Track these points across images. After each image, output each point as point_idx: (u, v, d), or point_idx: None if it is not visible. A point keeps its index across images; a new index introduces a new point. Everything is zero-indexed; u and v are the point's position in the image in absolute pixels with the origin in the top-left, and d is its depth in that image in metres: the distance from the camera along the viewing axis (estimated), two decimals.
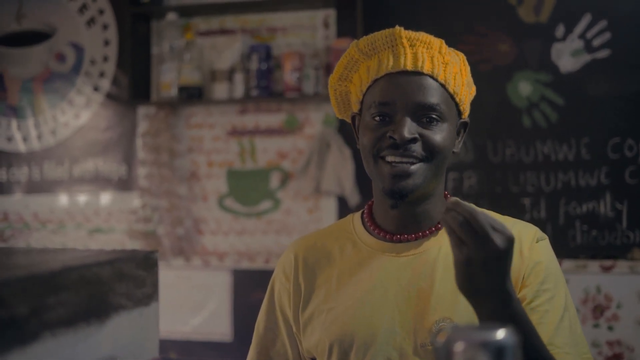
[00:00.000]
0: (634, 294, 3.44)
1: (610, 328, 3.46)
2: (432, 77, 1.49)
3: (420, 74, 1.49)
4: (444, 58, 1.52)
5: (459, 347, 0.89)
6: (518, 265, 1.49)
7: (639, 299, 3.43)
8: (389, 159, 1.48)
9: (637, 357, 3.42)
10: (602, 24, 3.50)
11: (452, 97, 1.52)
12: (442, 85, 1.50)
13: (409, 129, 1.46)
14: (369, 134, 1.51)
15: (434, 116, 1.48)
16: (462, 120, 1.58)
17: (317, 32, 3.92)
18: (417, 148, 1.47)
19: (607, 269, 3.48)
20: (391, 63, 1.50)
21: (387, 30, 1.54)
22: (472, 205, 1.23)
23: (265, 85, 3.88)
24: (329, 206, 3.87)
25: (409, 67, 1.49)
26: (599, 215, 3.50)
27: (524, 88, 3.59)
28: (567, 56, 3.54)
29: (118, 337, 1.04)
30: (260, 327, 1.70)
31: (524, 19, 3.60)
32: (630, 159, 3.46)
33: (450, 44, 1.57)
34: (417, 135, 1.47)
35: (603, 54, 3.51)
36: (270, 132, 4.00)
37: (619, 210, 3.48)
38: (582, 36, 3.53)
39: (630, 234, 3.46)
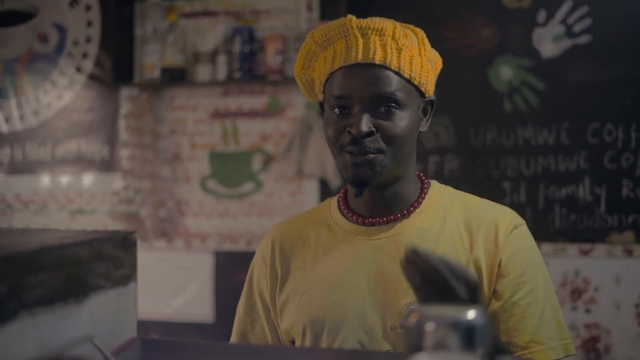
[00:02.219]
0: (611, 278, 3.47)
1: (587, 311, 3.50)
2: (385, 66, 1.50)
3: (373, 65, 1.50)
4: (397, 44, 1.51)
5: (429, 327, 0.92)
6: (493, 253, 1.51)
7: (616, 283, 3.47)
8: (349, 149, 1.50)
9: (614, 339, 3.46)
10: (583, 9, 3.51)
11: (409, 82, 1.52)
12: (397, 73, 1.50)
13: (366, 123, 1.48)
14: (331, 128, 1.53)
15: (391, 105, 1.49)
16: (427, 99, 1.59)
17: (301, 15, 3.92)
18: (376, 139, 1.49)
19: (585, 253, 3.51)
20: (344, 56, 1.51)
21: (339, 20, 1.54)
22: (429, 253, 1.21)
23: (248, 68, 3.89)
24: (311, 189, 3.88)
25: (360, 59, 1.50)
26: (578, 200, 3.53)
27: (505, 73, 3.61)
28: (549, 41, 3.56)
29: (96, 316, 1.06)
30: (240, 311, 1.72)
31: (507, 4, 3.61)
32: (610, 144, 3.49)
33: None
34: (374, 129, 1.49)
35: (584, 39, 3.52)
36: (253, 114, 4.01)
37: (597, 194, 3.50)
38: (563, 21, 3.55)
39: (609, 218, 3.49)
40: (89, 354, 0.99)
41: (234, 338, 1.73)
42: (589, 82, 3.51)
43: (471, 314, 0.93)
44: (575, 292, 3.52)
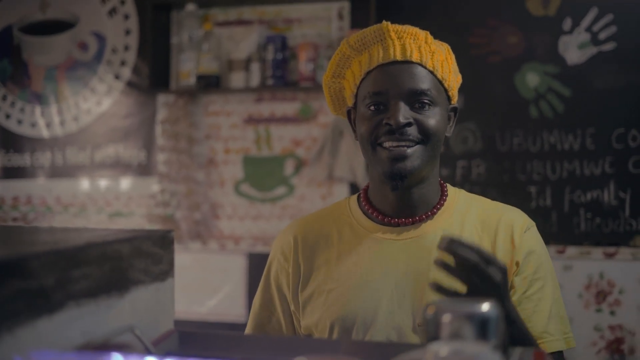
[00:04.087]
0: (635, 280, 3.50)
1: (612, 313, 3.53)
2: (421, 65, 1.56)
3: (410, 62, 1.56)
4: (430, 47, 1.58)
5: (446, 318, 0.96)
6: (510, 252, 1.57)
7: None
8: (387, 144, 1.54)
9: (638, 341, 3.49)
10: (608, 17, 3.55)
11: (440, 83, 1.59)
12: (431, 72, 1.57)
13: (404, 114, 1.53)
14: (366, 123, 1.57)
15: (425, 101, 1.55)
16: (451, 105, 1.65)
17: (332, 24, 3.98)
18: (412, 131, 1.54)
19: (610, 256, 3.54)
20: (381, 55, 1.57)
21: (375, 25, 1.60)
22: (462, 241, 1.29)
23: (281, 75, 3.95)
24: (342, 192, 3.92)
25: (399, 57, 1.56)
26: (603, 204, 3.56)
27: (531, 79, 3.65)
28: (574, 49, 3.60)
29: (136, 309, 1.10)
30: (257, 305, 1.77)
31: (533, 12, 3.65)
32: (634, 149, 3.52)
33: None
34: (411, 120, 1.54)
35: (609, 46, 3.56)
36: (285, 120, 4.08)
37: (622, 198, 3.53)
38: (588, 29, 3.58)
39: (633, 222, 3.52)
40: (130, 343, 1.04)
41: (248, 331, 1.76)
42: (614, 88, 3.54)
43: (485, 307, 0.97)
44: (600, 295, 3.54)
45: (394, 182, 1.56)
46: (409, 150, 1.54)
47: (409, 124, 1.53)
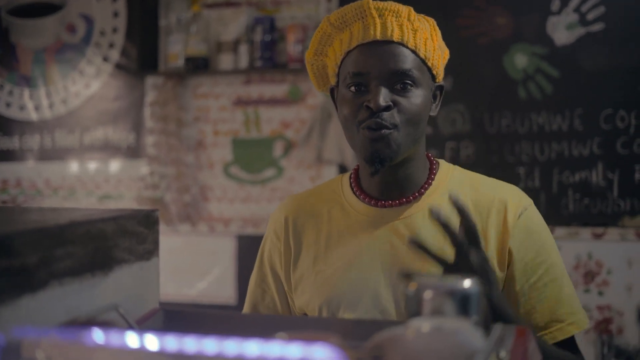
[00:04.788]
0: (623, 261, 3.53)
1: (600, 293, 3.56)
2: (402, 44, 1.52)
3: (391, 42, 1.52)
4: (412, 25, 1.54)
5: (427, 295, 0.98)
6: (502, 234, 1.53)
7: (628, 266, 3.52)
8: (367, 127, 1.50)
9: (626, 321, 3.51)
10: None
11: (424, 62, 1.55)
12: (413, 52, 1.53)
13: (384, 97, 1.49)
14: (347, 106, 1.54)
15: (407, 82, 1.51)
16: (437, 84, 1.61)
17: (320, 5, 3.97)
18: (393, 115, 1.50)
19: (598, 236, 3.57)
20: (362, 34, 1.53)
21: (356, 2, 1.56)
22: (461, 209, 1.29)
23: (270, 57, 3.96)
24: (330, 174, 3.93)
25: (379, 36, 1.52)
26: (591, 184, 3.58)
27: (520, 60, 3.66)
28: (562, 29, 3.61)
29: (121, 288, 1.11)
30: (252, 284, 1.76)
31: None
32: (622, 130, 3.53)
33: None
34: (391, 103, 1.50)
35: (597, 27, 3.57)
36: (274, 102, 4.08)
37: (610, 179, 3.55)
38: (576, 10, 3.59)
39: (621, 203, 3.54)
40: (114, 321, 1.04)
41: (246, 309, 1.76)
42: (602, 69, 3.55)
43: (467, 283, 0.98)
44: (589, 275, 3.57)
45: (373, 166, 1.53)
46: (387, 132, 1.50)
47: (389, 107, 1.50)
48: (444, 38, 1.63)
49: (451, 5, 3.71)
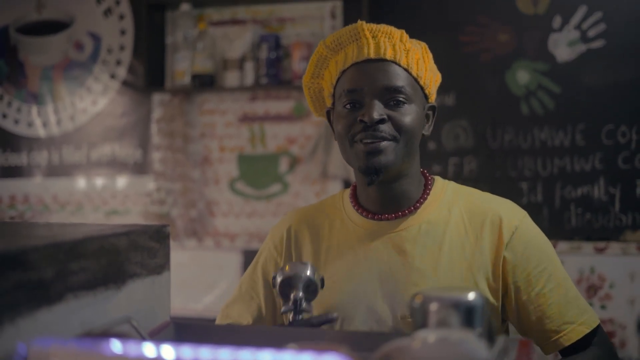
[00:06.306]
0: (626, 275, 3.54)
1: (603, 307, 3.56)
2: (395, 62, 1.58)
3: (384, 60, 1.58)
4: (405, 45, 1.59)
5: (433, 307, 1.00)
6: (497, 246, 1.57)
7: (630, 280, 3.53)
8: (362, 140, 1.56)
9: (629, 334, 3.52)
10: (597, 15, 3.58)
11: (416, 81, 1.60)
12: (406, 70, 1.58)
13: (378, 110, 1.54)
14: (342, 121, 1.59)
15: (400, 98, 1.56)
16: (429, 104, 1.66)
17: (325, 23, 4.00)
18: (386, 128, 1.55)
19: (600, 251, 3.58)
20: (356, 53, 1.58)
21: (351, 25, 1.62)
22: None
23: (275, 74, 3.98)
24: (335, 189, 3.94)
25: (372, 55, 1.57)
26: (593, 199, 3.59)
27: (522, 77, 3.68)
28: (564, 46, 3.63)
29: (133, 301, 1.13)
30: (243, 287, 1.80)
31: (523, 10, 3.68)
32: (623, 145, 3.55)
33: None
34: (385, 116, 1.55)
35: (598, 44, 3.59)
36: (279, 118, 4.11)
37: (612, 194, 3.56)
38: (578, 27, 3.61)
39: (623, 217, 3.55)
40: (127, 333, 1.06)
41: (226, 306, 1.80)
42: (603, 85, 3.57)
43: (471, 296, 1.01)
44: (591, 289, 3.58)
45: (369, 176, 1.57)
46: (383, 144, 1.55)
47: (382, 121, 1.55)
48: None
49: (454, 22, 3.71)
